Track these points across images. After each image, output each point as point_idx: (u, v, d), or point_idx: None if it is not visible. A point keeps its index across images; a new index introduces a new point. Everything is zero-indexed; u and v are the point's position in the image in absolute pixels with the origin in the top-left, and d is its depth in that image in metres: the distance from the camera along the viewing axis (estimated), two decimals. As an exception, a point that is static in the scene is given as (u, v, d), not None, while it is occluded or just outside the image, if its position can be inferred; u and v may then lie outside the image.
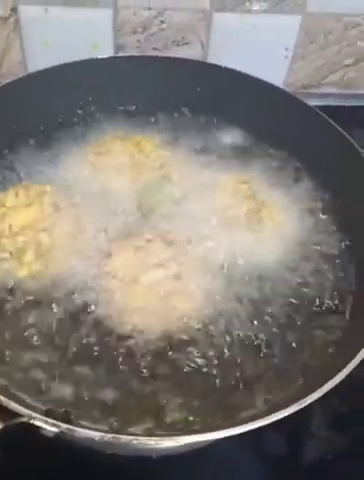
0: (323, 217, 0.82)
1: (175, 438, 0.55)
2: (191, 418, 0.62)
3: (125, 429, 0.59)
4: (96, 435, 0.53)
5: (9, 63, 1.09)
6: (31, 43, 1.06)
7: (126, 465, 0.74)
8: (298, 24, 1.06)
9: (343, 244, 0.79)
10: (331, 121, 0.82)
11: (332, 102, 1.15)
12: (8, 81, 0.84)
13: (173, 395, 0.63)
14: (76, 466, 0.74)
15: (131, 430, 0.59)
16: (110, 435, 0.53)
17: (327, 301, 0.73)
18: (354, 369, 0.58)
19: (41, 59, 1.05)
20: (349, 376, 0.58)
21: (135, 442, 0.53)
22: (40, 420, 0.54)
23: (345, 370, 0.58)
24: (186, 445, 0.69)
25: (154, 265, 0.70)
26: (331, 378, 0.57)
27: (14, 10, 1.01)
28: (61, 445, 0.69)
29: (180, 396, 0.63)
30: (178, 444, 0.58)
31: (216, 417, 0.62)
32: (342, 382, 0.57)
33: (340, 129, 0.81)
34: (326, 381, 0.57)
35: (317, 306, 0.73)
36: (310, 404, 0.56)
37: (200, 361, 0.66)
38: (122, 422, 0.60)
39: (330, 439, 0.79)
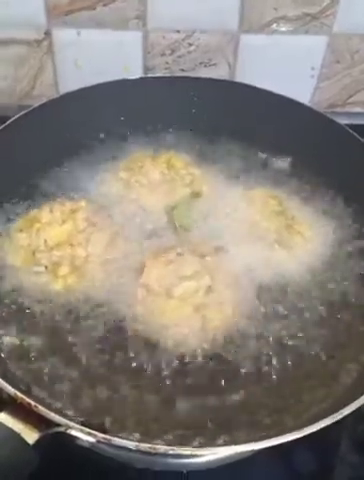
0: (354, 233, 0.82)
1: (210, 449, 0.55)
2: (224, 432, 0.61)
3: (160, 439, 0.59)
4: (132, 445, 0.53)
5: (41, 85, 1.12)
6: (63, 65, 1.09)
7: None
8: (325, 44, 1.07)
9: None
10: (361, 139, 0.83)
11: (358, 121, 1.16)
12: (41, 102, 0.87)
13: (206, 406, 0.64)
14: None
15: (167, 440, 0.59)
16: (146, 445, 0.53)
17: (357, 316, 0.73)
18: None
19: (72, 81, 1.07)
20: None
21: (171, 452, 0.53)
22: (77, 430, 0.54)
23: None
24: (216, 460, 0.69)
25: (186, 278, 0.71)
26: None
27: (48, 34, 1.05)
28: (91, 458, 0.69)
29: (212, 407, 0.64)
30: (214, 455, 0.58)
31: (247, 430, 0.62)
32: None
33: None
34: None
35: (346, 321, 0.73)
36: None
37: (233, 372, 0.66)
38: (158, 432, 0.60)
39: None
